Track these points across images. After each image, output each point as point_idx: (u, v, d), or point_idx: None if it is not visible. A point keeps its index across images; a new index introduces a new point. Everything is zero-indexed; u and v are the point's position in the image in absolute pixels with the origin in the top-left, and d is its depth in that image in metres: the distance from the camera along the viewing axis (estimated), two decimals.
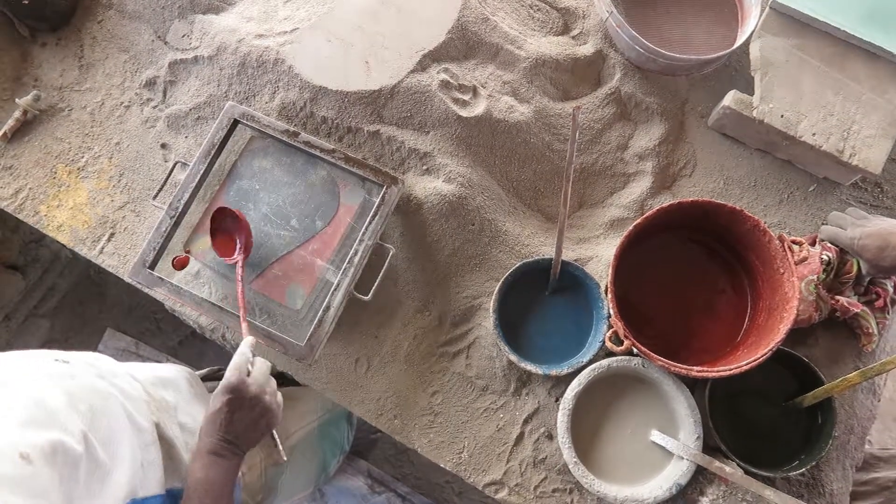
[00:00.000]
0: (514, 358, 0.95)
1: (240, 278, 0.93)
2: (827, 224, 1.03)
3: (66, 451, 0.55)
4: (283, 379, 1.10)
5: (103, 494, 0.59)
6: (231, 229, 0.97)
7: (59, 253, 1.72)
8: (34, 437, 0.53)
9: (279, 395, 0.83)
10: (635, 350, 0.89)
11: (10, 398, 0.56)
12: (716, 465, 0.87)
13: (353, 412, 1.02)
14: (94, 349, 1.67)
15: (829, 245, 1.00)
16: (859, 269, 0.99)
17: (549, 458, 0.98)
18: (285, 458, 0.85)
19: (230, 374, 0.77)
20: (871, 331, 0.99)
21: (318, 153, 1.00)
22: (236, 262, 0.95)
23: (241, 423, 0.76)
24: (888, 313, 1.01)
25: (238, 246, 0.96)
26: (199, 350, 1.79)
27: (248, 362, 0.81)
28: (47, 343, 1.72)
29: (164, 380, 0.89)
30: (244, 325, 0.89)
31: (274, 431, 0.83)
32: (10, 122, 1.14)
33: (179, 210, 0.99)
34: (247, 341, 0.84)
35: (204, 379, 1.06)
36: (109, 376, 0.73)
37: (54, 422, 0.56)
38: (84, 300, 1.81)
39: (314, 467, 1.26)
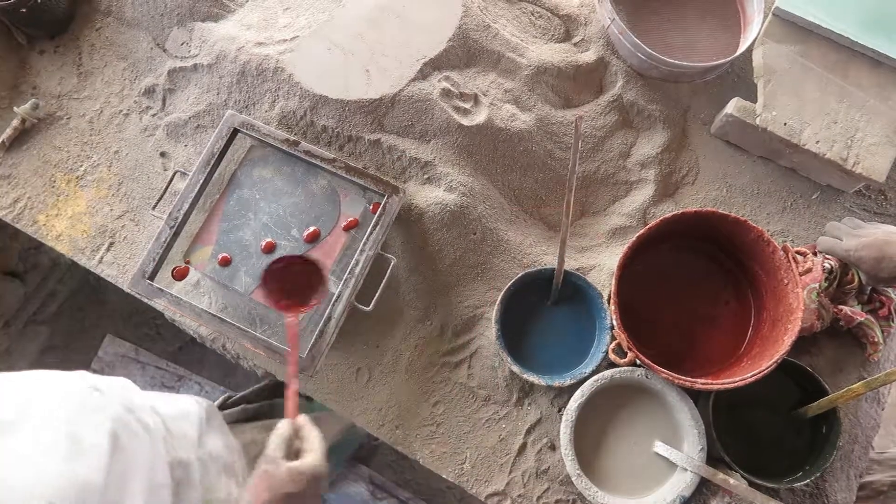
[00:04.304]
0: (516, 368, 0.94)
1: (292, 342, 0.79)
2: (825, 235, 1.02)
3: (88, 488, 0.60)
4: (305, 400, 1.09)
5: None
6: (292, 281, 0.82)
7: (59, 259, 1.71)
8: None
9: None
10: (639, 361, 0.89)
11: (50, 431, 0.62)
12: (720, 476, 0.87)
13: (355, 423, 1.02)
14: (94, 355, 1.66)
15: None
16: (860, 278, 0.98)
17: (552, 468, 0.98)
18: None
19: (295, 483, 0.68)
20: (876, 339, 0.98)
21: (318, 162, 1.00)
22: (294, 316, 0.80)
23: None
24: (893, 321, 1.01)
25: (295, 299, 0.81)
26: (199, 356, 1.78)
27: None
28: (47, 350, 1.71)
29: (185, 412, 0.88)
30: (291, 403, 0.74)
31: None
32: (9, 131, 1.13)
33: (179, 220, 0.98)
34: (312, 433, 0.73)
35: (220, 408, 1.06)
36: (137, 410, 0.74)
37: (83, 456, 0.61)
38: (83, 306, 1.80)
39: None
